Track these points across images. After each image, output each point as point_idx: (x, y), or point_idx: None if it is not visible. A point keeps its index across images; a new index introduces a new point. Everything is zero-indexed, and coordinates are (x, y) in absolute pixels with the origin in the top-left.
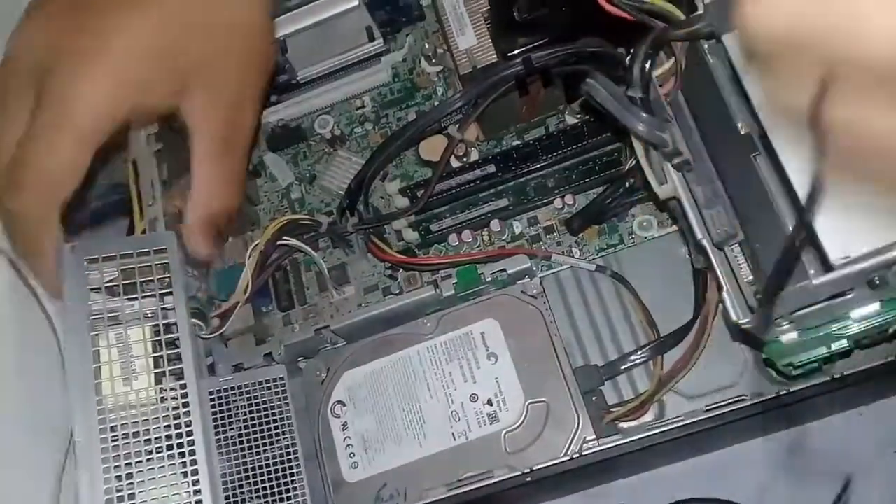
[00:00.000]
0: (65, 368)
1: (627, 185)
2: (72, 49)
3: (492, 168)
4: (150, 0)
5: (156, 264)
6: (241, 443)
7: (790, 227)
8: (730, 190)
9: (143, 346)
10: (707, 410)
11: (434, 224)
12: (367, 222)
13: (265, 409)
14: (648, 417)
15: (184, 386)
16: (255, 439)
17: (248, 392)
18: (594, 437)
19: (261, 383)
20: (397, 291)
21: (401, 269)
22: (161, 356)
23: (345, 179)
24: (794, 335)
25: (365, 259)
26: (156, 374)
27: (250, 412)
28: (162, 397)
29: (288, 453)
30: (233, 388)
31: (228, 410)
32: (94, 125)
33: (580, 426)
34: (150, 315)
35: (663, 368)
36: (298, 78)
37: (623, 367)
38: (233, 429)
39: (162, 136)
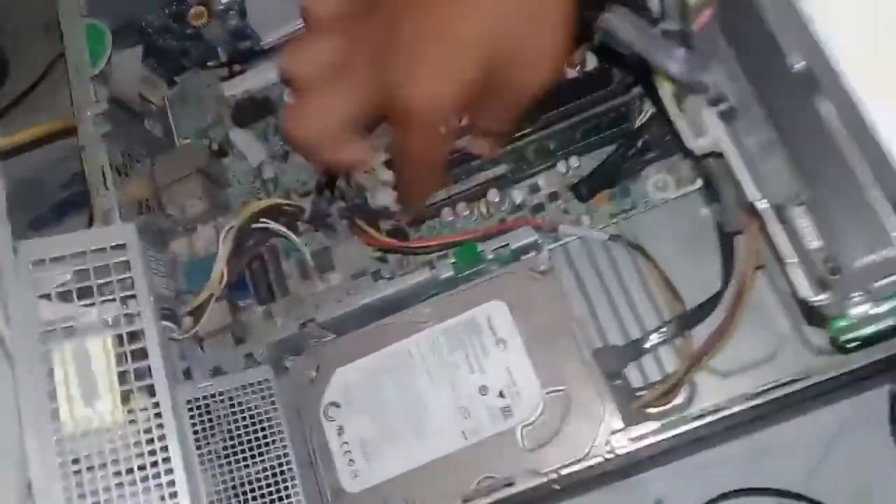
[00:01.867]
0: (15, 391)
1: (640, 142)
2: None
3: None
4: None
5: (114, 263)
6: (228, 456)
7: (871, 181)
8: (787, 140)
9: (104, 359)
10: (755, 396)
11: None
12: (351, 207)
13: (251, 416)
14: (679, 400)
15: (156, 404)
16: (243, 451)
17: (230, 398)
18: (622, 426)
19: (244, 387)
20: (389, 276)
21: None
22: (127, 370)
23: None
24: (865, 307)
25: (350, 242)
26: (122, 391)
27: (235, 421)
28: (131, 419)
29: (280, 464)
30: (213, 396)
31: (210, 421)
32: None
33: (606, 415)
34: (111, 323)
35: (692, 345)
36: (262, 44)
37: (647, 346)
38: (216, 441)
39: (112, 115)
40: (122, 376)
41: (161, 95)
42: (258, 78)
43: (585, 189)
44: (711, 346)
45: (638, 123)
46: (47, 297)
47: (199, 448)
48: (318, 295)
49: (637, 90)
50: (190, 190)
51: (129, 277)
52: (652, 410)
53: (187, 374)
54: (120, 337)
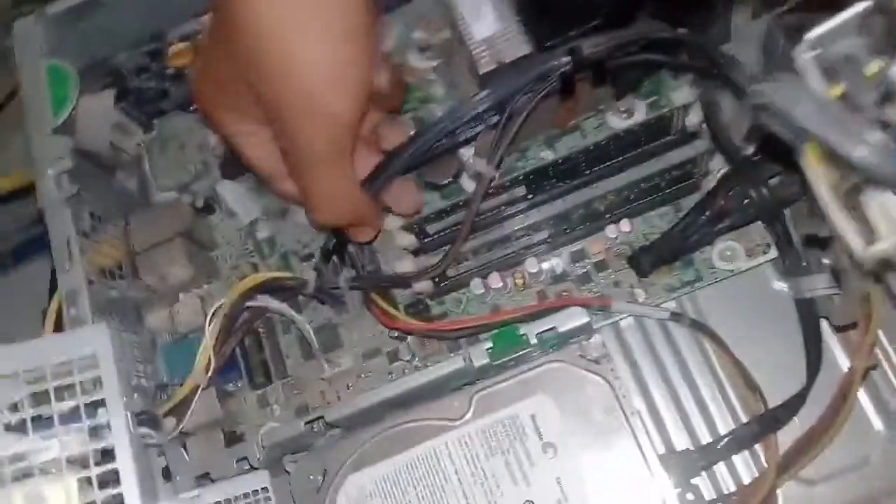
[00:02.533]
0: None
1: (712, 210)
2: None
3: (521, 190)
4: None
5: (81, 381)
6: None
7: None
8: None
9: None
10: None
11: (450, 266)
12: (365, 279)
13: None
14: None
15: None
16: None
17: None
18: None
19: (237, 499)
20: (408, 357)
21: None
22: None
23: None
24: None
25: (361, 316)
26: None
27: None
28: None
29: None
30: None
31: None
32: None
33: None
34: (76, 460)
35: (778, 451)
36: None
37: (723, 453)
38: None
39: (78, 170)
40: None
41: (136, 142)
42: None
43: (647, 262)
44: (803, 455)
45: (709, 184)
46: None
47: None
48: (324, 380)
49: (703, 143)
50: (171, 256)
51: (100, 400)
52: None
53: (167, 477)
54: (88, 480)
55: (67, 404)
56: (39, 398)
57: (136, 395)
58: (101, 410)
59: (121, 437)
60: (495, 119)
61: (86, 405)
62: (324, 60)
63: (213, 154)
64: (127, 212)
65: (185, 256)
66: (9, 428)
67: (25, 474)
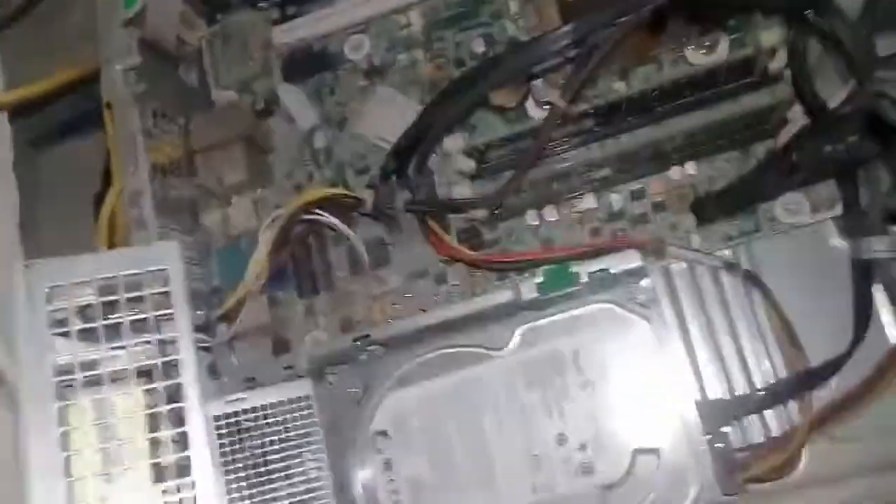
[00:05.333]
0: (20, 459)
1: (786, 163)
2: None
3: (589, 123)
4: None
5: (152, 294)
6: (258, 476)
7: None
8: None
9: (134, 423)
10: None
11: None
12: (422, 202)
13: (286, 436)
14: (798, 475)
15: (194, 484)
16: (275, 473)
17: (264, 415)
18: (720, 498)
19: (281, 403)
20: (456, 282)
21: None
22: (159, 441)
23: (386, 126)
24: None
25: (412, 237)
26: (154, 467)
27: (268, 440)
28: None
29: (314, 489)
30: (244, 412)
31: (240, 440)
32: None
33: (704, 486)
34: (144, 371)
35: (811, 409)
36: None
37: (757, 405)
38: (246, 460)
39: (144, 64)
40: (154, 447)
41: (198, 35)
42: (317, 25)
43: (711, 210)
44: (835, 416)
45: (785, 134)
46: (65, 334)
47: (226, 472)
48: (370, 297)
49: (784, 90)
50: (230, 159)
51: (170, 313)
52: (761, 485)
53: (214, 373)
54: (154, 392)
55: (137, 316)
56: (108, 309)
57: (195, 304)
58: (165, 325)
59: (187, 353)
60: (574, 51)
61: (155, 317)
62: None
63: (276, 54)
64: (187, 110)
65: (243, 159)
66: (81, 336)
67: (95, 382)
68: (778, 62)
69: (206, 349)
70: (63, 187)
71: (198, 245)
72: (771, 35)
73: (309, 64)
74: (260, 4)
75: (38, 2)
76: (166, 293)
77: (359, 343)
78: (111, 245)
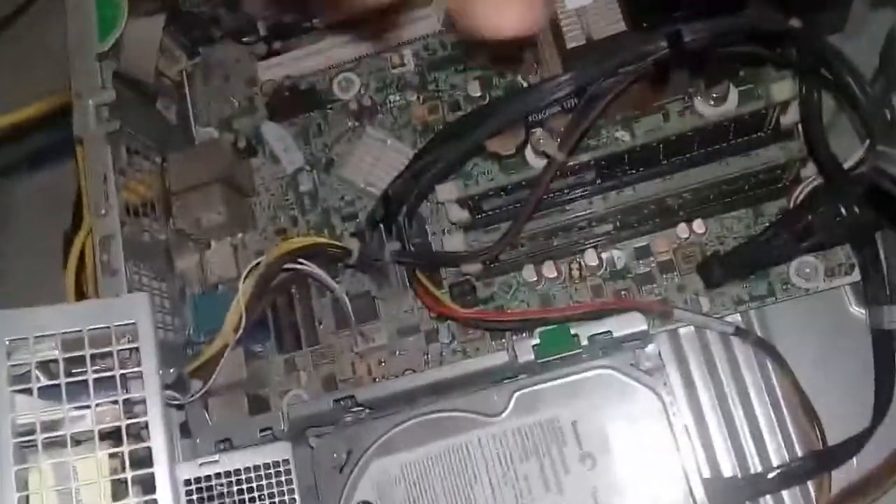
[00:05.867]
0: None
1: (798, 225)
2: None
3: (590, 174)
4: None
5: (119, 350)
6: None
7: None
8: None
9: (99, 488)
10: None
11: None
12: (412, 254)
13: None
14: None
15: None
16: None
17: (238, 480)
18: None
19: (257, 468)
20: (447, 340)
21: None
22: None
23: (375, 171)
24: None
25: (402, 293)
26: None
27: None
28: None
29: None
30: (218, 476)
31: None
32: None
33: None
34: (110, 433)
35: (829, 492)
36: (314, 20)
37: (771, 486)
38: None
39: (118, 99)
40: None
41: (178, 69)
42: (304, 61)
43: (718, 273)
44: (856, 498)
45: (797, 193)
46: (25, 391)
47: None
48: (356, 353)
49: (796, 146)
50: (209, 200)
51: (137, 371)
52: None
53: (186, 433)
54: (118, 455)
55: (103, 374)
56: (72, 365)
57: (167, 359)
58: (133, 383)
59: (156, 414)
60: (573, 101)
61: (121, 375)
62: None
63: (261, 91)
64: (164, 148)
65: (222, 201)
66: (43, 394)
67: (57, 444)
68: (790, 116)
69: (178, 407)
70: (35, 220)
71: (171, 292)
72: (783, 88)
73: (295, 102)
74: (245, 39)
75: (13, 19)
76: (135, 349)
77: (343, 404)
78: (79, 290)
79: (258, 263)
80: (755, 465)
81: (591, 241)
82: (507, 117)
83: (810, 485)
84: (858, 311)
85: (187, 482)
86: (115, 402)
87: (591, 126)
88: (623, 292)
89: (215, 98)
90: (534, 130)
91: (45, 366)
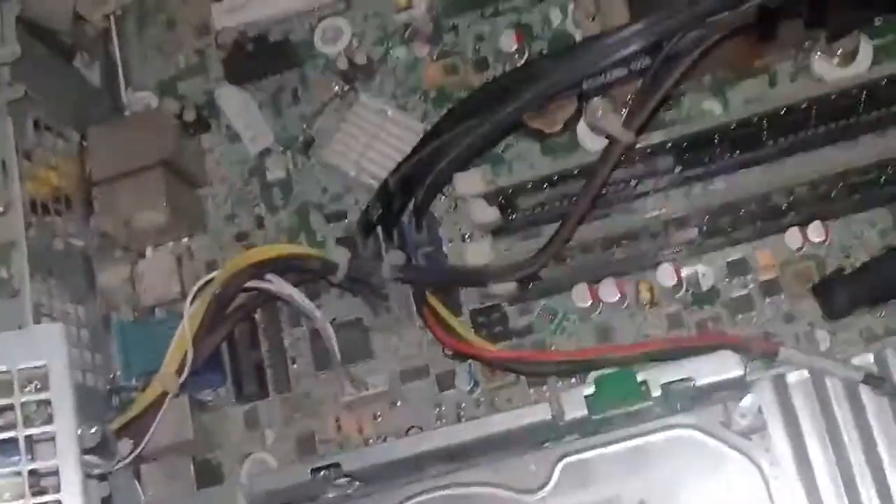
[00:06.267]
0: None
1: None
2: None
3: (667, 161)
4: None
5: (22, 402)
6: None
7: None
8: None
9: None
10: None
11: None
12: (421, 270)
13: None
14: None
15: None
16: None
17: None
18: None
19: None
20: (468, 386)
21: None
22: None
23: (369, 152)
24: None
25: (407, 323)
26: None
27: None
28: None
29: None
30: None
31: None
32: None
33: None
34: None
35: None
36: None
37: None
38: None
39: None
40: None
41: (105, 14)
42: (273, 5)
43: (843, 296)
44: None
45: None
46: None
47: None
48: (342, 404)
49: None
50: (143, 192)
51: (48, 433)
52: None
53: None
54: None
55: (1, 434)
56: None
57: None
58: (42, 447)
59: (71, 489)
60: (645, 62)
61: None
62: None
63: (216, 43)
64: (83, 121)
65: (163, 194)
66: None
67: None
68: None
69: (101, 477)
70: None
71: (92, 320)
72: None
73: (262, 59)
74: None
75: None
76: (44, 401)
77: (324, 475)
78: None
79: (210, 280)
80: None
81: (668, 252)
82: (554, 83)
83: None
84: None
85: None
86: (18, 473)
87: (669, 95)
88: (710, 323)
89: (154, 52)
90: (590, 100)
91: None
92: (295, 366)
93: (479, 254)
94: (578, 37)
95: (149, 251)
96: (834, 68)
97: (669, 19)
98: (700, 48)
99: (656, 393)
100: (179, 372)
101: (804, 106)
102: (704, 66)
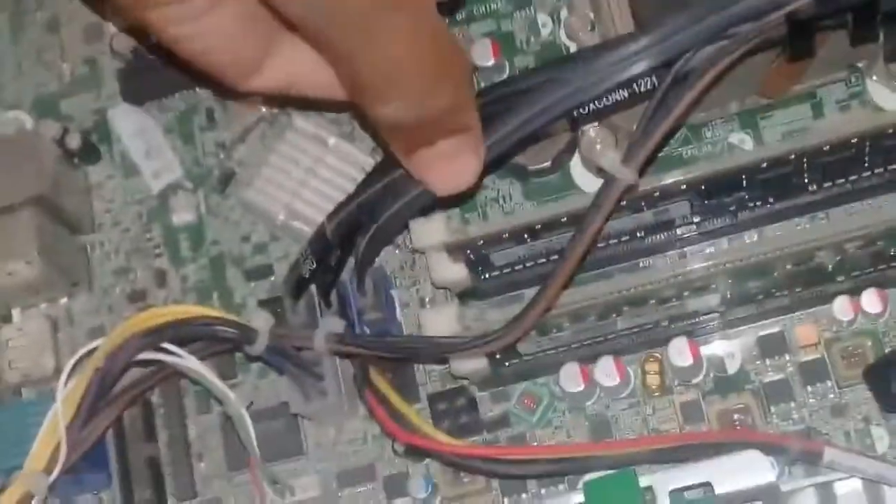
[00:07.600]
0: None
1: None
2: None
3: (683, 207)
4: None
5: None
6: None
7: None
8: None
9: None
10: None
11: (526, 336)
12: (364, 340)
13: None
14: None
15: None
16: None
17: None
18: None
19: None
20: (423, 494)
21: None
22: None
23: (303, 191)
24: None
25: (347, 409)
26: None
27: None
28: None
29: None
30: None
31: None
32: None
33: None
34: None
35: None
36: None
37: None
38: None
39: None
40: None
41: None
42: None
43: None
44: None
45: None
46: None
47: None
48: None
49: None
50: (10, 240)
51: None
52: None
53: None
54: None
55: None
56: None
57: None
58: None
59: None
60: (649, 83)
61: None
62: None
63: (112, 48)
64: None
65: (34, 240)
66: None
67: None
68: None
69: None
70: None
71: None
72: None
73: (170, 71)
74: None
75: None
76: None
77: None
78: None
79: (92, 351)
80: None
81: (682, 323)
82: (541, 107)
83: None
84: None
85: None
86: None
87: (683, 120)
88: (736, 416)
89: (31, 61)
90: (585, 129)
91: None
92: (202, 464)
93: (440, 322)
94: (572, 50)
95: (15, 314)
96: (894, 95)
97: (682, 31)
98: (721, 67)
99: (664, 502)
100: (49, 470)
101: (855, 141)
102: (731, 90)
